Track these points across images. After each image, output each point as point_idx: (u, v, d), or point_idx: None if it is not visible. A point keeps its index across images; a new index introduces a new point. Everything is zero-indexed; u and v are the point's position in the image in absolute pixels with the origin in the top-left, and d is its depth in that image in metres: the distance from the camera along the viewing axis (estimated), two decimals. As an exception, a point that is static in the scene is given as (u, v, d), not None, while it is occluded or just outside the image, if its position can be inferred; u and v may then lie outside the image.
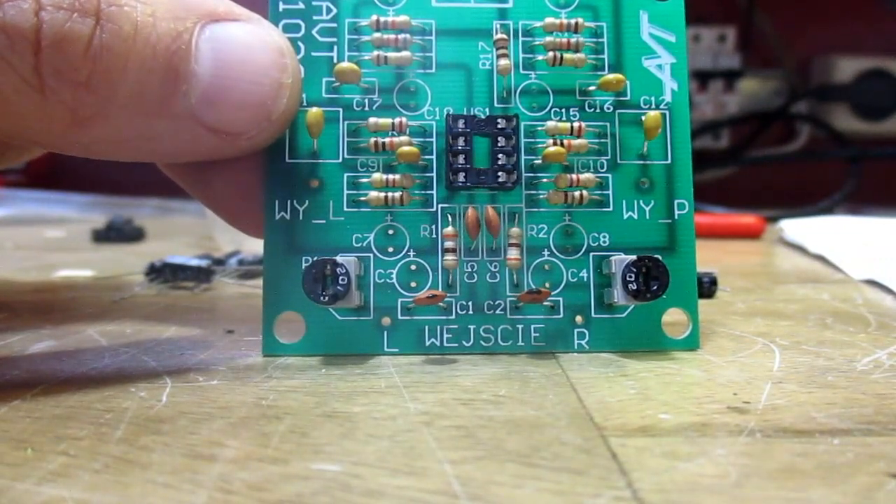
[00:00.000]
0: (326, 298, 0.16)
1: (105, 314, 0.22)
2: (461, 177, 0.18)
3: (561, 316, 0.18)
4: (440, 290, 0.18)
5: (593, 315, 0.18)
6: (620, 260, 0.17)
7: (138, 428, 0.13)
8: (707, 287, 0.25)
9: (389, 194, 0.18)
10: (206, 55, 0.15)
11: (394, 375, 0.16)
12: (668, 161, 0.19)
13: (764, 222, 0.42)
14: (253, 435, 0.13)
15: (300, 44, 0.18)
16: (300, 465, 0.12)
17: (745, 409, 0.14)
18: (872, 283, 0.28)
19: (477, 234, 0.18)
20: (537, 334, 0.18)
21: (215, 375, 0.16)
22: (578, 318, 0.18)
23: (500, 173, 0.18)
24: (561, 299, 0.18)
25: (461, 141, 0.18)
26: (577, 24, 0.18)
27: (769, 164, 0.62)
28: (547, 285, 0.18)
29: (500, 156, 0.18)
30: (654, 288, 0.17)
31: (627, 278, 0.17)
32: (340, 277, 0.16)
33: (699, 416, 0.14)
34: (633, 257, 0.17)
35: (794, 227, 0.39)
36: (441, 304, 0.18)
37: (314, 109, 0.18)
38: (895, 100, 0.61)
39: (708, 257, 0.34)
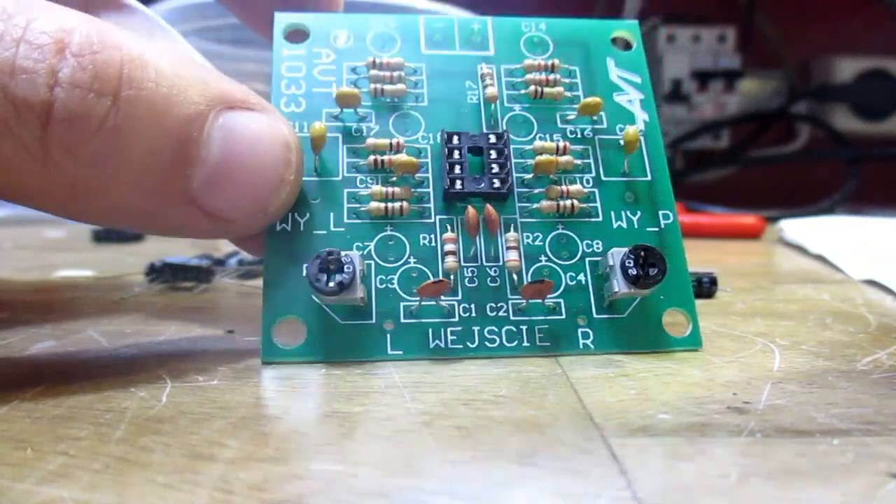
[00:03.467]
0: (333, 286, 0.16)
1: (105, 314, 0.22)
2: (458, 183, 0.18)
3: (563, 317, 0.18)
4: (443, 294, 0.18)
5: (595, 316, 0.18)
6: (618, 251, 0.18)
7: (138, 428, 0.13)
8: (707, 287, 0.25)
9: (389, 205, 0.18)
10: (215, 142, 0.15)
11: (394, 376, 0.16)
12: (649, 178, 0.20)
13: (764, 222, 0.42)
14: (253, 435, 0.13)
15: (302, 82, 0.19)
16: (300, 465, 0.12)
17: (745, 409, 0.14)
18: (872, 283, 0.28)
19: (476, 232, 0.18)
20: (542, 335, 0.18)
21: (215, 375, 0.16)
22: (580, 320, 0.18)
23: (494, 180, 0.18)
24: (562, 301, 0.18)
25: (456, 154, 0.19)
26: (553, 64, 0.20)
27: (769, 164, 0.62)
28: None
29: (493, 166, 0.19)
30: (654, 273, 0.17)
31: (627, 264, 0.17)
32: (346, 266, 0.16)
33: (699, 416, 0.14)
34: (630, 247, 0.17)
35: (794, 227, 0.39)
36: (444, 305, 0.18)
37: (317, 125, 0.18)
38: (895, 100, 0.62)
39: (708, 257, 0.34)
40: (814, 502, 0.11)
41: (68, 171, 0.14)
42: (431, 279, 0.17)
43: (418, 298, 0.18)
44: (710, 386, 0.16)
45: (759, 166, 0.62)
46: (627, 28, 0.21)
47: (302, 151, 0.17)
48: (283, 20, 0.20)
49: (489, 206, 0.18)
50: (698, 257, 0.33)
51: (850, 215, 0.48)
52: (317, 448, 0.12)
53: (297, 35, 0.20)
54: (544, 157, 0.19)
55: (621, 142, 0.20)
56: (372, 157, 0.19)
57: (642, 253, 0.17)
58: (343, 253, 0.17)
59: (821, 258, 0.33)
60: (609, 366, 0.17)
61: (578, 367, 0.17)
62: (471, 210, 0.18)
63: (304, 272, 0.17)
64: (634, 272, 0.17)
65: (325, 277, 0.16)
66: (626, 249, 0.17)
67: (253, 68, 0.23)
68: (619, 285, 0.17)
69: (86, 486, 0.11)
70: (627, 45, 0.21)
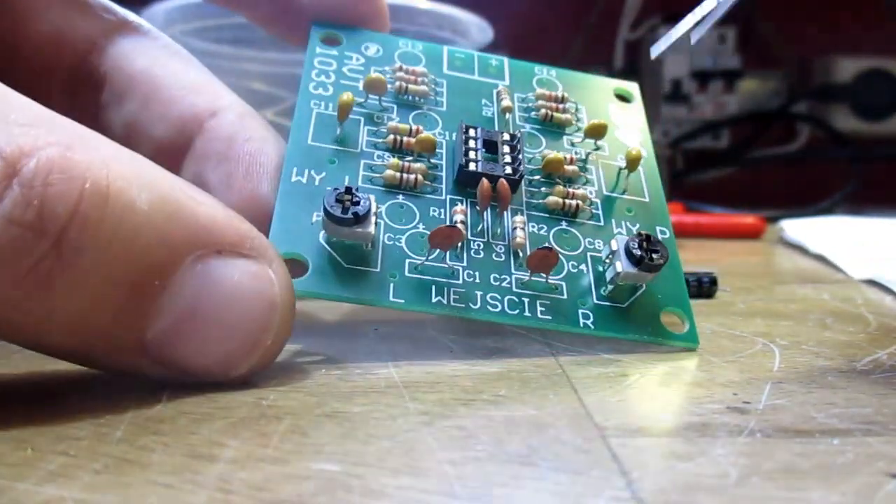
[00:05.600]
0: (349, 215, 0.16)
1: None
2: (472, 165, 0.19)
3: (565, 297, 0.18)
4: (449, 258, 0.18)
5: (595, 301, 0.18)
6: (621, 238, 0.18)
7: (138, 428, 0.13)
8: (707, 287, 0.25)
9: (404, 176, 0.19)
10: (184, 292, 0.13)
11: (394, 375, 0.16)
12: (647, 200, 0.21)
13: (764, 222, 0.42)
14: (253, 435, 0.13)
15: (332, 74, 0.20)
16: (300, 465, 0.12)
17: (745, 409, 0.14)
18: (872, 283, 0.28)
19: (487, 204, 0.18)
20: (543, 309, 0.18)
21: (215, 375, 0.16)
22: (581, 303, 0.18)
23: (507, 167, 0.19)
24: (564, 284, 0.18)
25: (472, 143, 0.19)
26: (563, 96, 0.22)
27: (769, 164, 0.62)
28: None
29: (506, 157, 0.19)
30: (656, 256, 0.18)
31: (631, 246, 0.18)
32: (362, 201, 0.17)
33: (699, 416, 0.14)
34: (635, 233, 0.18)
35: (795, 228, 0.39)
36: (449, 266, 0.18)
37: (346, 94, 0.19)
38: (895, 100, 0.61)
39: (708, 257, 0.34)
40: (814, 502, 0.11)
41: None
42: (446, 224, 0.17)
43: (424, 256, 0.17)
44: (710, 386, 0.16)
45: (759, 166, 0.62)
46: (628, 87, 0.23)
47: (292, 311, 0.15)
48: (320, 29, 0.21)
49: (503, 180, 0.18)
50: (698, 257, 0.33)
51: (850, 215, 0.48)
52: (317, 448, 0.12)
53: (330, 41, 0.21)
54: (554, 156, 0.20)
55: (622, 165, 0.21)
56: (392, 137, 0.19)
57: (646, 240, 0.18)
58: (360, 192, 0.17)
59: (821, 258, 0.33)
60: (609, 366, 0.17)
61: (578, 367, 0.17)
62: (485, 181, 0.18)
63: (322, 202, 0.17)
64: (639, 253, 0.17)
65: (340, 207, 0.16)
66: (629, 236, 0.18)
67: (253, 68, 0.23)
68: (623, 265, 0.18)
69: (86, 485, 0.11)
70: (628, 99, 0.23)
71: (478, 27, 0.38)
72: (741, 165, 0.61)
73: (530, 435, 0.13)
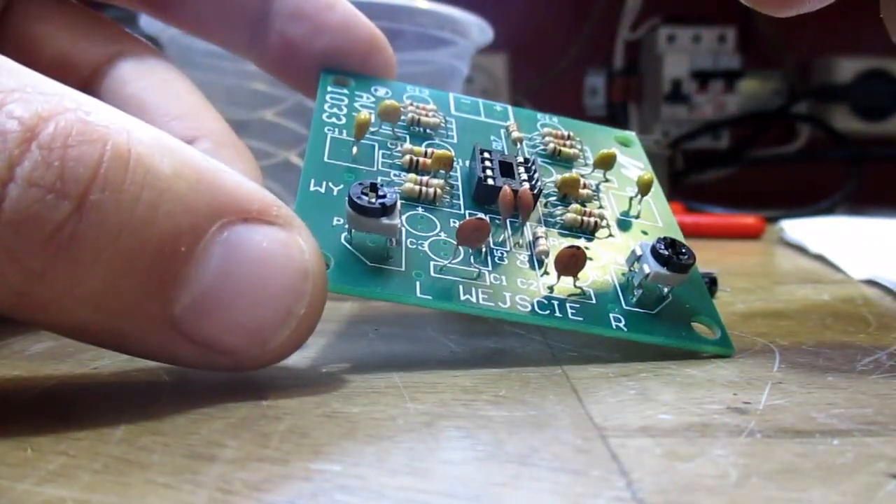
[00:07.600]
0: (377, 204, 0.16)
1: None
2: (490, 181, 0.19)
3: (594, 302, 0.18)
4: (473, 261, 0.17)
5: (625, 307, 0.18)
6: (645, 243, 0.18)
7: (138, 428, 0.13)
8: (707, 287, 0.25)
9: (423, 189, 0.18)
10: (212, 261, 0.13)
11: (393, 376, 0.16)
12: (661, 225, 0.21)
13: (764, 222, 0.42)
14: (253, 435, 0.13)
15: (344, 107, 0.20)
16: (300, 465, 0.12)
17: (745, 409, 0.14)
18: (872, 283, 0.28)
19: (510, 212, 0.18)
20: (574, 311, 0.17)
21: (215, 375, 0.16)
22: (611, 307, 0.18)
23: (524, 183, 0.19)
24: (592, 291, 0.18)
25: (488, 163, 0.19)
26: (569, 134, 0.22)
27: (769, 164, 0.62)
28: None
29: (522, 175, 0.19)
30: (684, 257, 0.17)
31: (658, 248, 0.17)
32: (389, 194, 0.16)
33: (699, 417, 0.14)
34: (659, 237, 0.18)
35: (795, 228, 0.39)
36: (475, 269, 0.17)
37: (363, 112, 0.19)
38: (895, 100, 0.62)
39: (708, 257, 0.34)
40: (814, 502, 0.11)
41: (12, 281, 0.12)
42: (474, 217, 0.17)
43: (448, 259, 0.17)
44: (710, 386, 0.16)
45: (759, 166, 0.62)
46: (626, 135, 0.24)
47: (325, 282, 0.14)
48: (330, 73, 0.22)
49: (526, 188, 0.18)
50: (698, 257, 0.33)
51: (850, 215, 0.48)
52: (317, 448, 0.12)
53: (341, 83, 0.22)
54: (570, 175, 0.20)
55: (632, 195, 0.21)
56: (408, 157, 0.19)
57: (671, 244, 0.18)
58: (384, 188, 0.16)
59: (821, 258, 0.33)
60: (609, 366, 0.17)
61: (578, 367, 0.17)
62: (507, 188, 0.18)
63: (346, 197, 0.16)
64: (666, 252, 0.17)
65: (367, 199, 0.16)
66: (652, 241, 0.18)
67: (254, 68, 0.23)
68: (651, 266, 0.17)
69: (86, 486, 0.11)
70: (627, 146, 0.24)
71: (478, 27, 0.38)
72: (741, 165, 0.61)
73: (530, 435, 0.13)
